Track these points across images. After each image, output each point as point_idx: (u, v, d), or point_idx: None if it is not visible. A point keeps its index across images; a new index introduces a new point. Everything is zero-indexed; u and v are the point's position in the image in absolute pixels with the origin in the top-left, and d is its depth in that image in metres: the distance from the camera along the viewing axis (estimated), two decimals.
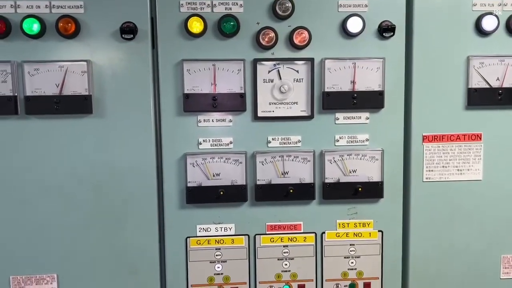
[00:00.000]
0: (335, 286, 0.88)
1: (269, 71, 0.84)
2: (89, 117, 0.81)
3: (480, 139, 0.87)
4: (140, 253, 0.85)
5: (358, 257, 0.88)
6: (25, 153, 0.81)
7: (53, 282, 0.83)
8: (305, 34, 0.83)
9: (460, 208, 0.88)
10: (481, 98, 0.86)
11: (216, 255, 0.87)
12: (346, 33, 0.83)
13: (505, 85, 0.85)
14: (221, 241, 0.87)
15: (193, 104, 0.83)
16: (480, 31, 0.85)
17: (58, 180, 0.82)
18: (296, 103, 0.85)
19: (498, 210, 0.89)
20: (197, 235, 0.86)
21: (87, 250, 0.84)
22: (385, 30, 0.83)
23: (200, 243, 0.86)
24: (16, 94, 0.80)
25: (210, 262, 0.87)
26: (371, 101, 0.85)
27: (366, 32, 0.84)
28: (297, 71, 0.84)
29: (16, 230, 0.83)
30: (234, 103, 0.84)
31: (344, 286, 0.89)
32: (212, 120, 0.84)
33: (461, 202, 0.88)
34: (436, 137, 0.87)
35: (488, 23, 0.84)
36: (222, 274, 0.87)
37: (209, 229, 0.86)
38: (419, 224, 0.88)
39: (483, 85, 0.86)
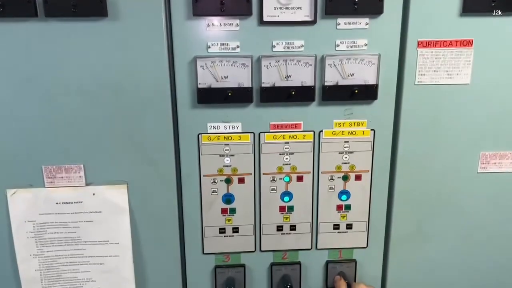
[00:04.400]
0: (329, 177, 0.99)
1: None
2: (105, 20, 0.85)
3: (471, 45, 0.92)
4: (157, 147, 0.93)
5: (352, 152, 0.98)
6: (46, 54, 0.87)
7: (80, 171, 0.93)
8: None
9: (447, 109, 0.96)
10: (476, 4, 0.89)
11: (225, 150, 0.96)
12: None
13: None
14: (229, 138, 0.95)
15: (202, 7, 0.86)
16: None
17: (79, 80, 0.88)
18: (300, 8, 0.88)
19: (482, 111, 0.96)
20: (208, 132, 0.94)
21: (110, 144, 0.93)
22: None
23: (210, 139, 0.95)
24: None
25: (220, 156, 0.96)
26: (371, 6, 0.88)
27: None
28: None
29: (45, 125, 0.91)
30: (241, 7, 0.87)
31: (338, 177, 0.99)
32: (220, 24, 0.89)
33: (448, 104, 0.95)
34: (430, 42, 0.92)
35: None
36: (230, 166, 0.97)
37: (218, 127, 0.95)
38: (409, 124, 0.96)
39: None
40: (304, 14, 0.89)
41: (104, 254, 0.97)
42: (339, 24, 0.90)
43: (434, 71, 0.93)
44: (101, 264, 0.97)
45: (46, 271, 0.96)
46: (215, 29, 0.89)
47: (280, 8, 0.88)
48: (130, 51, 0.88)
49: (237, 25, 0.89)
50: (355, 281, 1.04)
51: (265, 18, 0.88)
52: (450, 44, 0.92)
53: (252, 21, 0.89)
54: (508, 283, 1.10)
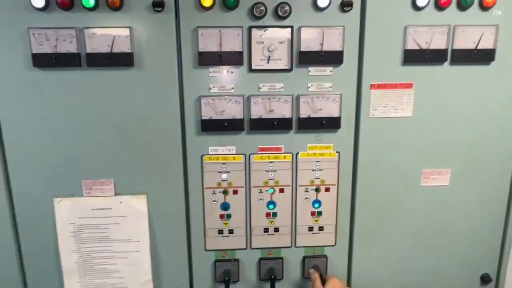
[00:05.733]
0: (305, 189, 1.22)
1: (260, 35, 1.12)
2: (132, 69, 1.08)
3: (412, 87, 1.17)
4: (170, 165, 1.16)
5: (322, 170, 1.20)
6: (88, 95, 1.10)
7: (111, 184, 1.15)
8: (287, 7, 1.07)
9: (395, 136, 1.19)
10: (414, 56, 1.13)
11: (223, 168, 1.18)
12: (317, 7, 1.08)
13: (431, 47, 1.13)
14: (226, 158, 1.17)
15: (205, 59, 1.09)
16: (416, 7, 1.11)
17: (111, 114, 1.11)
18: (280, 59, 1.11)
19: (422, 137, 1.19)
20: (209, 153, 1.17)
21: (134, 163, 1.14)
22: (345, 5, 1.08)
23: (211, 159, 1.18)
24: (80, 52, 1.07)
25: (218, 172, 1.18)
26: (334, 57, 1.11)
27: (331, 7, 1.08)
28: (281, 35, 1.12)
29: (85, 149, 1.12)
30: (235, 59, 1.10)
31: (311, 189, 1.21)
32: (219, 71, 1.12)
33: (395, 132, 1.18)
34: (380, 85, 1.15)
35: (421, 1, 1.11)
36: (226, 180, 1.19)
37: (217, 150, 1.16)
38: (365, 148, 1.19)
39: (416, 47, 1.13)
40: (283, 64, 1.13)
41: (128, 250, 1.18)
42: (310, 71, 1.14)
43: (384, 106, 1.18)
44: (125, 258, 1.19)
45: (83, 263, 1.18)
46: (215, 75, 1.14)
47: (265, 59, 1.13)
48: (150, 91, 1.12)
49: (232, 72, 1.13)
50: (326, 273, 1.27)
51: (254, 67, 1.13)
52: (395, 86, 1.17)
53: (243, 69, 1.13)
54: (446, 269, 1.32)
